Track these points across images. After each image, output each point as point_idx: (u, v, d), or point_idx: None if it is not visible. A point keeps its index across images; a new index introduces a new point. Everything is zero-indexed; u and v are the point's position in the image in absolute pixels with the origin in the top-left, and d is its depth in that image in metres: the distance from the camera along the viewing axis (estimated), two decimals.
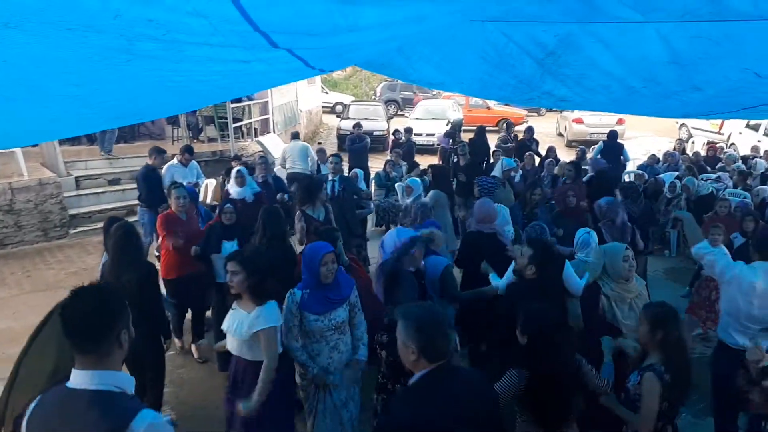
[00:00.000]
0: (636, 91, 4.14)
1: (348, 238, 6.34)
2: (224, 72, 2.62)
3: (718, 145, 14.57)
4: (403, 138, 13.52)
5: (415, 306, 2.53)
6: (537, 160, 11.07)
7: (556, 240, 5.85)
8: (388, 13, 2.18)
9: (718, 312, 5.80)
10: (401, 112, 27.46)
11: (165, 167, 8.38)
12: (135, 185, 8.74)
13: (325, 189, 6.19)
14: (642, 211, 6.86)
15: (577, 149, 12.67)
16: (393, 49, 3.88)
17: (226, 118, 13.04)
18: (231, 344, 3.66)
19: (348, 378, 3.86)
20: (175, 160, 8.64)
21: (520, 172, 9.70)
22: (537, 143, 12.81)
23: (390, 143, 14.06)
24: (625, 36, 3.26)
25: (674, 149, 13.76)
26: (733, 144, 16.32)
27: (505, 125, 14.51)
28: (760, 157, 11.99)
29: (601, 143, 11.96)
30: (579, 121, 20.06)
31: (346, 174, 9.18)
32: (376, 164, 12.82)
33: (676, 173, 10.44)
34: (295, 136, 11.50)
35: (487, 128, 14.56)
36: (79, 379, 1.87)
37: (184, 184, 7.73)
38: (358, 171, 9.71)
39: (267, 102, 15.66)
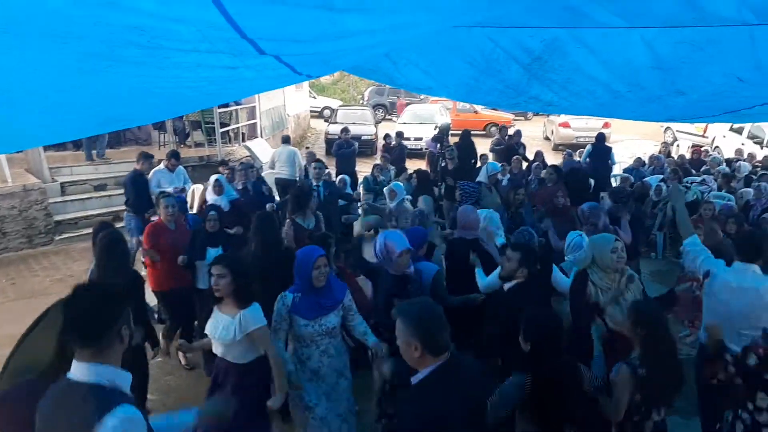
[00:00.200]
0: (621, 96, 4.18)
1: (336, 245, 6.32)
2: (211, 78, 2.62)
3: (702, 148, 14.73)
4: (394, 142, 13.54)
5: (412, 303, 2.53)
6: (524, 164, 11.13)
7: (543, 239, 5.90)
8: (375, 20, 2.19)
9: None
10: (389, 117, 27.49)
11: (151, 173, 8.32)
12: (121, 191, 8.67)
13: (315, 197, 6.12)
14: (631, 214, 6.90)
15: (564, 153, 12.75)
16: (380, 54, 3.89)
17: (213, 123, 12.97)
18: (216, 347, 3.64)
19: (342, 389, 3.85)
20: (161, 166, 8.56)
21: (508, 175, 9.73)
22: (524, 147, 12.88)
23: (381, 147, 14.07)
24: (610, 41, 3.30)
25: (660, 152, 13.89)
26: (717, 147, 16.51)
27: (499, 128, 14.55)
28: (744, 160, 12.13)
29: (589, 146, 12.05)
30: (566, 125, 20.20)
31: (333, 179, 9.19)
32: (365, 168, 12.81)
33: (662, 176, 10.54)
34: (286, 140, 11.47)
35: (473, 132, 14.57)
36: (76, 370, 1.92)
37: (171, 189, 7.72)
38: (346, 177, 9.71)
39: (254, 107, 15.60)
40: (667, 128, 19.88)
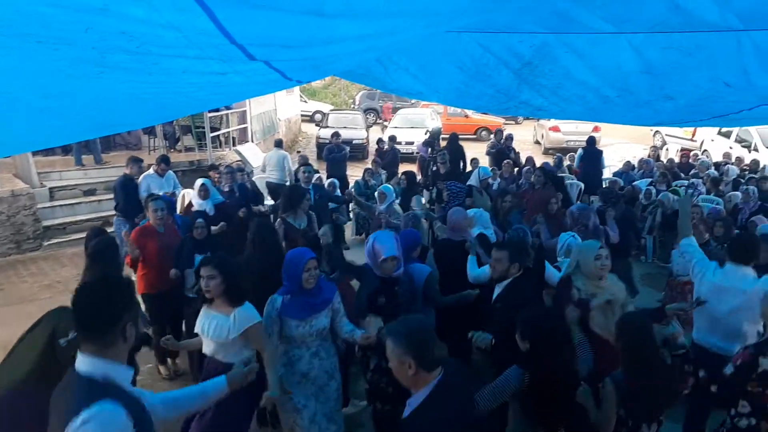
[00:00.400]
0: (610, 100, 4.21)
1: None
2: (201, 84, 2.61)
3: (691, 152, 14.86)
4: (387, 146, 13.57)
5: (399, 322, 2.50)
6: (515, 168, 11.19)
7: (538, 239, 5.93)
8: (365, 26, 2.19)
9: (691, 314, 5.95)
10: (380, 121, 27.53)
11: (141, 177, 8.28)
12: (111, 196, 8.63)
13: (308, 198, 6.11)
14: (621, 216, 6.95)
15: (554, 157, 12.82)
16: (371, 59, 3.89)
17: (204, 127, 12.93)
18: (207, 346, 3.62)
19: (331, 390, 3.83)
20: (151, 171, 8.53)
21: (498, 180, 9.77)
22: (515, 151, 12.94)
23: (374, 152, 14.10)
24: (598, 47, 3.32)
25: (649, 156, 14.00)
26: (705, 151, 16.65)
27: (494, 132, 14.59)
28: (732, 164, 12.25)
29: (581, 150, 12.13)
30: (556, 129, 20.32)
31: (324, 183, 9.20)
32: (356, 173, 12.81)
33: (651, 180, 10.63)
34: (278, 144, 11.47)
35: (464, 136, 14.62)
36: (79, 362, 1.96)
37: (161, 194, 7.68)
38: (335, 181, 9.71)
39: (245, 111, 15.58)
40: (657, 132, 20.04)
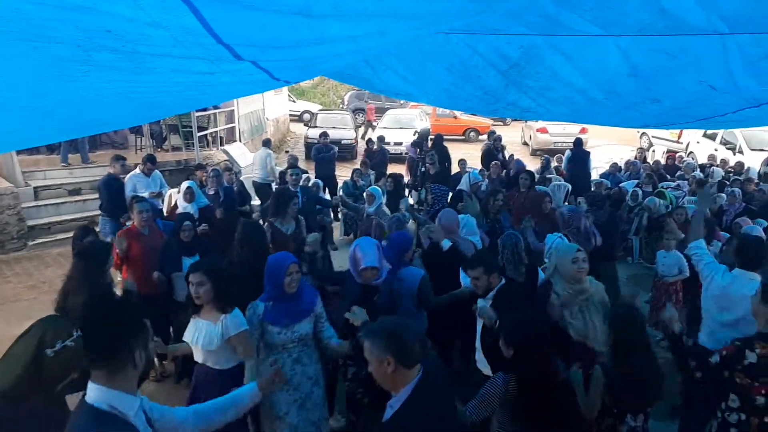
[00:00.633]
0: (597, 102, 4.23)
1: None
2: (188, 83, 2.59)
3: (677, 154, 15.00)
4: (376, 147, 13.58)
5: (376, 323, 2.49)
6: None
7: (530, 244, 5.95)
8: (353, 27, 2.19)
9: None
10: (364, 121, 27.48)
11: (127, 177, 8.21)
12: (96, 195, 8.55)
13: (295, 202, 5.97)
14: (606, 218, 7.01)
15: (542, 158, 12.88)
16: (359, 60, 3.89)
17: (191, 127, 12.86)
18: (197, 354, 3.59)
19: (316, 396, 3.81)
20: (137, 170, 8.46)
21: (486, 181, 9.79)
22: (503, 153, 12.98)
23: (363, 153, 14.12)
24: (585, 49, 3.34)
25: (635, 158, 14.10)
26: (691, 152, 16.81)
27: (488, 134, 14.62)
28: (717, 166, 12.37)
29: (568, 152, 12.20)
30: (543, 130, 20.42)
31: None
32: (345, 173, 12.80)
33: (638, 181, 10.71)
34: (265, 143, 11.44)
35: (452, 137, 14.66)
36: (88, 390, 1.90)
37: (147, 194, 7.63)
38: (319, 182, 9.70)
39: (233, 110, 15.51)
40: (643, 134, 20.20)
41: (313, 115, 22.90)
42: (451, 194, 10.89)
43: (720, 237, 6.52)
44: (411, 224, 7.54)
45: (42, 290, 7.72)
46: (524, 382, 3.00)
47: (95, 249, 4.36)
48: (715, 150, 15.26)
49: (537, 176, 10.85)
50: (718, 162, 13.18)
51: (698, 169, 11.82)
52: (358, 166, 11.56)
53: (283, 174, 9.89)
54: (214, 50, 1.97)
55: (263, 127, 18.85)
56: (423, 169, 10.49)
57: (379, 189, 7.94)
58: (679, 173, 11.95)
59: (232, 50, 2.04)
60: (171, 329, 5.54)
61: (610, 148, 21.45)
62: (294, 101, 28.61)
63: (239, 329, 3.46)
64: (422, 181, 9.84)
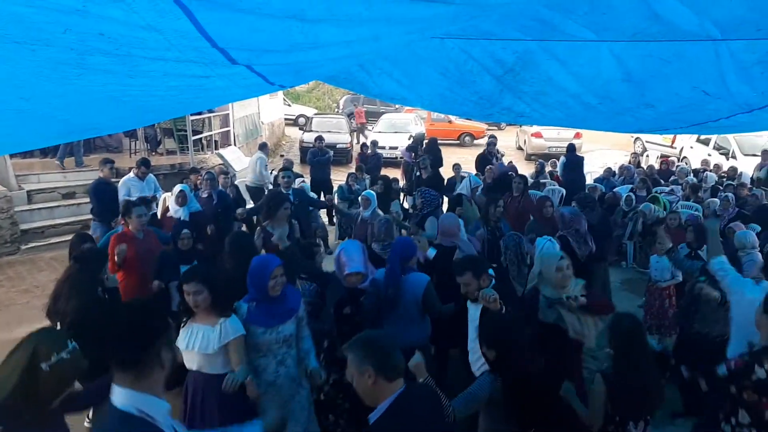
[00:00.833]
0: (592, 108, 4.24)
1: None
2: (182, 87, 2.59)
3: (670, 159, 15.07)
4: (370, 151, 13.59)
5: (358, 336, 2.46)
6: None
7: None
8: (347, 31, 2.19)
9: (671, 320, 6.00)
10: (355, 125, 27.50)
11: (121, 181, 8.18)
12: (89, 199, 8.51)
13: (286, 207, 5.87)
14: (598, 221, 7.04)
15: (537, 163, 12.92)
16: (354, 65, 3.89)
17: (186, 131, 12.83)
18: (191, 361, 3.55)
19: (301, 398, 3.79)
20: (131, 174, 8.43)
21: (482, 185, 9.81)
22: (497, 157, 13.00)
23: (357, 157, 14.13)
24: (580, 54, 3.35)
25: (629, 162, 14.17)
26: (685, 157, 16.90)
27: (489, 137, 14.59)
28: (710, 171, 12.44)
29: (563, 158, 12.23)
30: (538, 135, 20.47)
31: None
32: (340, 177, 12.80)
33: (632, 186, 10.76)
34: (261, 146, 11.42)
35: (447, 141, 14.67)
36: (114, 395, 1.85)
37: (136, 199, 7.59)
38: (304, 185, 9.70)
39: (228, 114, 15.47)
40: (637, 139, 20.28)
41: (308, 119, 22.87)
42: (447, 198, 10.94)
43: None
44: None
45: (35, 294, 7.67)
46: (513, 384, 3.01)
47: (92, 255, 4.36)
48: (709, 155, 15.33)
49: (531, 181, 10.91)
50: (712, 167, 13.26)
51: (692, 174, 11.88)
52: (353, 170, 11.56)
53: (277, 177, 9.89)
54: (209, 54, 1.96)
55: (258, 131, 18.82)
56: (418, 173, 10.49)
57: (374, 193, 7.92)
58: (672, 178, 12.00)
59: (227, 54, 2.03)
60: None
61: (604, 152, 21.52)
62: (289, 105, 28.60)
63: (237, 334, 3.44)
64: (417, 185, 9.83)
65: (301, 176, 11.18)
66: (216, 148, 14.47)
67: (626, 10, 2.72)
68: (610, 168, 12.64)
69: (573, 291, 3.88)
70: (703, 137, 16.28)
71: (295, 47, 2.20)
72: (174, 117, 11.27)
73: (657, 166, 13.79)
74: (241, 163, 13.45)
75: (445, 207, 10.80)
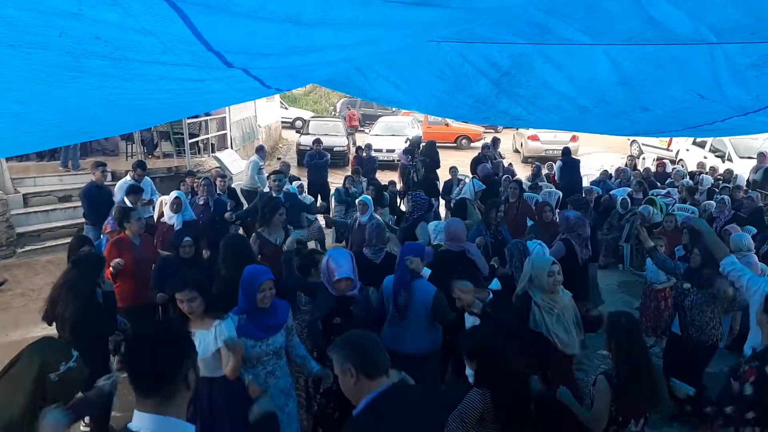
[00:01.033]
0: (587, 111, 4.25)
1: None
2: (178, 90, 2.58)
3: (667, 162, 15.10)
4: (365, 154, 13.59)
5: (339, 338, 2.45)
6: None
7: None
8: (343, 35, 2.19)
9: (666, 322, 6.01)
10: (360, 128, 27.53)
11: (117, 184, 8.16)
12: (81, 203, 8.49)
13: (281, 212, 5.76)
14: (591, 221, 7.09)
15: (533, 165, 12.94)
16: (351, 68, 3.89)
17: (182, 134, 12.81)
18: None
19: (290, 410, 3.79)
20: (128, 177, 8.40)
21: (484, 188, 9.83)
22: (492, 161, 13.01)
23: (353, 160, 14.12)
24: (575, 57, 3.36)
25: (626, 165, 14.20)
26: (681, 160, 16.94)
27: (492, 140, 14.59)
28: (706, 173, 12.47)
29: (559, 162, 12.26)
30: (535, 138, 20.51)
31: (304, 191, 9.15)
32: (337, 180, 12.79)
33: (629, 189, 10.78)
34: (258, 149, 11.42)
35: (444, 144, 14.68)
36: (137, 421, 1.75)
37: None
38: (292, 188, 9.69)
39: (224, 117, 15.46)
40: (633, 141, 20.32)
41: (305, 122, 22.89)
42: (444, 202, 10.95)
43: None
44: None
45: (31, 298, 7.65)
46: (494, 394, 3.02)
47: (91, 260, 4.34)
48: (705, 158, 15.37)
49: (528, 184, 10.93)
50: (708, 169, 13.28)
51: (688, 177, 11.91)
52: (350, 173, 11.56)
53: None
54: (204, 57, 1.96)
55: (255, 134, 18.81)
56: (415, 178, 10.52)
57: (370, 197, 7.91)
58: (669, 180, 12.03)
59: (223, 57, 2.04)
60: None
61: (600, 155, 21.55)
62: (286, 108, 28.61)
63: (232, 334, 3.45)
64: (413, 188, 9.85)
65: (298, 179, 11.17)
66: (213, 152, 14.46)
67: (622, 15, 2.73)
68: (606, 171, 12.65)
69: (561, 299, 3.89)
70: (699, 140, 16.33)
71: (291, 51, 2.20)
72: (170, 120, 11.26)
73: (653, 169, 13.82)
74: (238, 166, 13.45)
75: (442, 210, 10.86)
